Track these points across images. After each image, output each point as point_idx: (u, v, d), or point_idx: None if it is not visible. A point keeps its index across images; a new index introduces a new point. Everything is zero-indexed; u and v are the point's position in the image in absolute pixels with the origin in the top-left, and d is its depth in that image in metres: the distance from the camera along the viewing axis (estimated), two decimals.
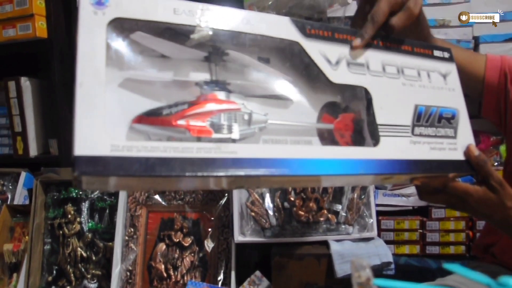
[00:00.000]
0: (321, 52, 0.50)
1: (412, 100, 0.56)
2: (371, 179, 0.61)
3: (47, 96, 1.53)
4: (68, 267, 1.18)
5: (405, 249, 1.21)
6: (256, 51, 0.50)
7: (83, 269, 1.18)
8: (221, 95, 0.46)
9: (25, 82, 1.46)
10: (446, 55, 0.62)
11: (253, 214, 1.09)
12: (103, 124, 0.37)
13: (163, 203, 1.16)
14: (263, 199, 1.10)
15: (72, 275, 1.18)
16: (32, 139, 1.47)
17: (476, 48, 1.29)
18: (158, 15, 0.42)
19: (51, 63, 1.41)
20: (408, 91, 0.56)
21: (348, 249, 1.02)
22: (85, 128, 0.36)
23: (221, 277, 1.08)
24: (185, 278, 1.10)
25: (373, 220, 1.09)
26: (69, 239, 1.19)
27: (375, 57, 0.54)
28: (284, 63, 0.52)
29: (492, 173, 0.57)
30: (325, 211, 1.08)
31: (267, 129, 0.49)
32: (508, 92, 0.75)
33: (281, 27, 0.48)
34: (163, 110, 0.43)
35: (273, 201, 1.10)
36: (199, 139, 0.43)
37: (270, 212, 1.09)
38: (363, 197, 1.10)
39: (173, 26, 0.44)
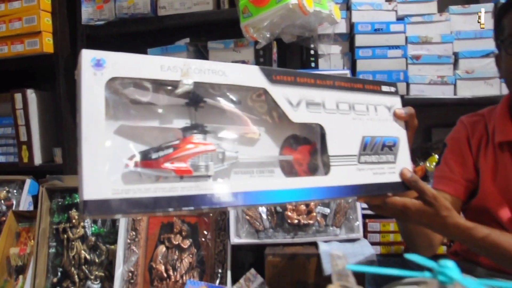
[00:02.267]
0: (284, 95, 0.57)
1: (360, 132, 0.63)
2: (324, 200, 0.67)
3: (52, 107, 1.60)
4: (72, 269, 1.24)
5: (390, 250, 1.28)
6: (230, 95, 0.57)
7: (86, 271, 1.24)
8: (199, 138, 0.54)
9: (31, 94, 1.53)
10: (392, 89, 0.69)
11: (248, 217, 1.16)
12: (104, 171, 0.44)
13: None
14: None
15: (76, 276, 1.24)
16: (37, 148, 1.54)
17: (456, 63, 1.38)
18: (147, 73, 0.49)
19: (56, 76, 1.49)
20: (357, 125, 0.63)
21: (336, 249, 1.09)
22: (91, 176, 0.43)
23: (218, 276, 1.15)
24: (184, 278, 1.16)
25: (359, 223, 1.17)
26: (73, 243, 1.26)
27: (330, 96, 0.62)
28: (253, 105, 0.60)
29: (425, 189, 0.64)
30: (315, 214, 1.16)
31: (238, 163, 0.56)
32: None
33: (251, 76, 0.56)
34: (152, 154, 0.51)
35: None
36: (182, 177, 0.51)
37: (264, 216, 1.16)
38: (350, 201, 1.18)
39: (159, 81, 0.51)
